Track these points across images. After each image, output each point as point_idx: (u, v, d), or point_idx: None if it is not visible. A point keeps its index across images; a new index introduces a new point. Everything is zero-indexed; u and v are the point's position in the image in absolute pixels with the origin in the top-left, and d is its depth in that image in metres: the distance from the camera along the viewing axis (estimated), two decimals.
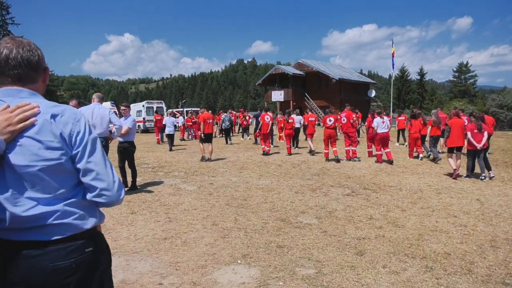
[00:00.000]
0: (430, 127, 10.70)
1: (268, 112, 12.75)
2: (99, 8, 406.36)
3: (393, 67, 30.75)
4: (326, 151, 10.65)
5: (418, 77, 57.07)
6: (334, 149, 10.41)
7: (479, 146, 7.61)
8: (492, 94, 44.19)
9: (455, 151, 8.10)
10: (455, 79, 56.73)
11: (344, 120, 10.75)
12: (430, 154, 10.94)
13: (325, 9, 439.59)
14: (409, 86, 56.00)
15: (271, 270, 3.40)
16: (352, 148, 10.65)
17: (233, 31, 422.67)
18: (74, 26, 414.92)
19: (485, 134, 7.73)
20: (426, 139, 11.09)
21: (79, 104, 6.80)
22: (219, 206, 5.69)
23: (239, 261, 3.60)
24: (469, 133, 7.76)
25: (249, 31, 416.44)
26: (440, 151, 11.54)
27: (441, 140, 11.69)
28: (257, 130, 14.45)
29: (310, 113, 13.85)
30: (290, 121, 12.33)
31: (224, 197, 6.24)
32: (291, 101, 34.82)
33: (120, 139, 6.75)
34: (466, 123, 8.49)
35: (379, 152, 10.28)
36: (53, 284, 1.28)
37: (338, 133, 12.13)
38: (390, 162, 9.87)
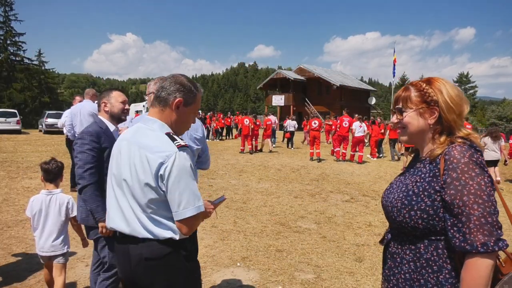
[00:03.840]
0: (388, 131, 12.11)
1: (247, 116, 14.31)
2: (102, 7, 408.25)
3: (394, 75, 30.84)
4: (312, 151, 11.75)
5: None
6: (318, 151, 11.58)
7: None
8: (492, 105, 44.45)
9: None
10: None
11: (346, 124, 11.75)
12: (384, 155, 13.06)
13: (328, 15, 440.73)
14: None
15: (270, 273, 3.41)
16: (343, 150, 11.88)
17: (236, 34, 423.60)
18: (77, 24, 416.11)
19: None
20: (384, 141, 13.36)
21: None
22: (218, 208, 5.68)
23: (238, 264, 3.61)
24: None
25: (252, 34, 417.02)
26: (399, 152, 12.68)
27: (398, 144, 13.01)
28: (237, 132, 17.39)
29: (267, 117, 15.86)
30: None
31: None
32: (291, 106, 34.86)
33: None
34: None
35: (357, 153, 11.48)
36: None
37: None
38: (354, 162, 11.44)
